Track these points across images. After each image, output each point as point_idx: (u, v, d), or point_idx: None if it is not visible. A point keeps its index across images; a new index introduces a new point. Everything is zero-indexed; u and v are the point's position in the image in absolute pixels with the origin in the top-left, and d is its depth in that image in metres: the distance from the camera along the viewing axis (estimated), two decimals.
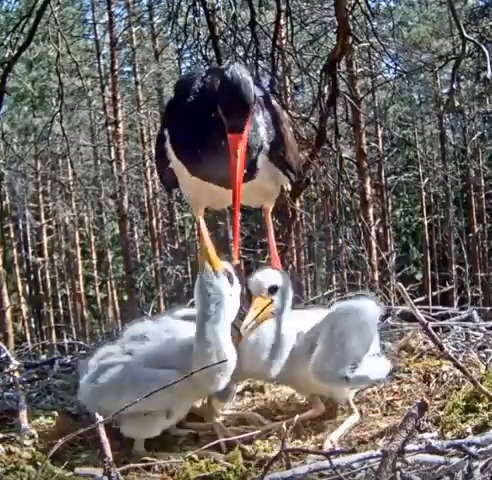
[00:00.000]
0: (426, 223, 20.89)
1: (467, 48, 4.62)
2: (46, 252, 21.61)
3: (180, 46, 6.83)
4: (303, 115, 6.87)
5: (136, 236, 21.62)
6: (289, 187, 3.05)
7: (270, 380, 2.71)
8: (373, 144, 18.30)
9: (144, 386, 2.24)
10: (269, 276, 2.54)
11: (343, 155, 6.19)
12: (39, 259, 21.56)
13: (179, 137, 2.63)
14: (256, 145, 2.57)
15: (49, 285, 21.87)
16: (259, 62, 5.55)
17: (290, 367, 2.50)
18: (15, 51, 5.51)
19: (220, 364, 2.31)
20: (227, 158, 2.42)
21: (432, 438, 2.16)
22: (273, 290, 2.50)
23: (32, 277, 22.42)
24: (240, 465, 2.17)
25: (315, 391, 2.63)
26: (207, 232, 2.77)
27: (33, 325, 21.64)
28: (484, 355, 2.88)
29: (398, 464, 1.87)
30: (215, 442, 2.30)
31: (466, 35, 4.41)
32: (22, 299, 21.18)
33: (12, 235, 21.29)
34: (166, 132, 2.68)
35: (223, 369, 2.36)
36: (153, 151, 3.06)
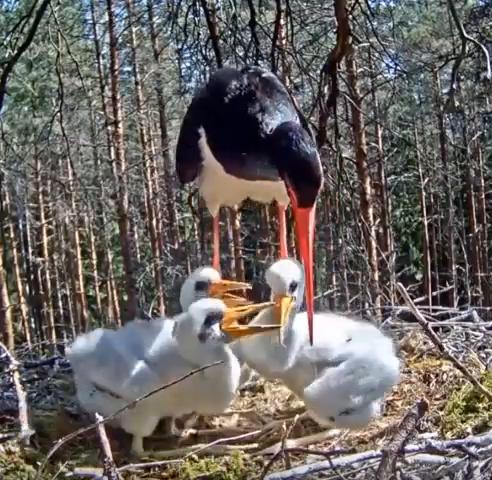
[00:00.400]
0: (426, 223, 20.89)
1: (467, 48, 4.63)
2: (46, 252, 21.61)
3: (180, 46, 6.85)
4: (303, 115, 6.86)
5: (136, 236, 21.62)
6: None
7: (272, 376, 2.66)
8: (373, 144, 18.30)
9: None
10: (289, 272, 2.46)
11: (343, 155, 6.19)
12: (39, 259, 21.56)
13: (219, 137, 2.60)
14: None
15: (49, 285, 21.87)
16: (259, 62, 5.55)
17: (293, 369, 2.47)
18: (15, 51, 5.51)
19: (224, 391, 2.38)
20: (264, 156, 2.42)
21: (432, 438, 2.16)
22: (294, 286, 2.44)
23: (32, 277, 22.42)
24: (240, 465, 2.16)
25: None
26: (218, 234, 2.80)
27: (33, 325, 21.64)
28: (484, 355, 2.88)
29: (398, 464, 1.87)
30: (215, 442, 2.31)
31: (466, 35, 4.41)
32: (22, 299, 21.18)
33: (12, 235, 21.28)
34: (201, 130, 2.65)
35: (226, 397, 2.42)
36: (178, 146, 3.03)
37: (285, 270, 2.47)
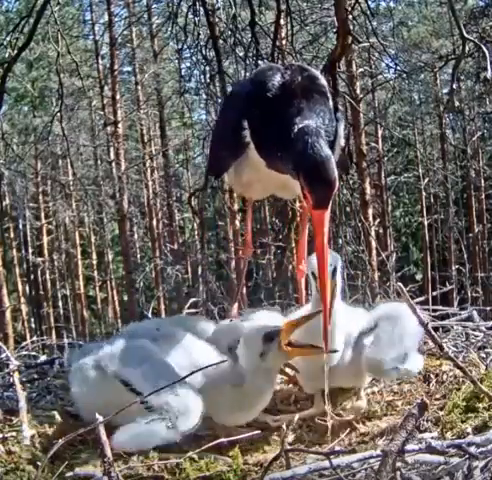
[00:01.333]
0: (426, 223, 20.89)
1: (467, 48, 4.62)
2: (46, 252, 21.61)
3: (180, 46, 6.84)
4: None
5: (136, 236, 21.63)
6: None
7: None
8: (373, 144, 18.30)
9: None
10: (330, 258, 2.50)
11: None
12: (39, 259, 21.56)
13: (261, 133, 2.65)
14: (333, 137, 2.61)
15: (49, 285, 21.87)
16: (259, 62, 5.55)
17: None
18: (15, 51, 5.50)
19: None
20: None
21: (432, 438, 2.16)
22: (334, 272, 2.51)
23: (32, 277, 22.43)
24: (240, 465, 2.16)
25: (336, 384, 2.63)
26: (252, 213, 2.80)
27: (33, 325, 21.63)
28: (484, 355, 2.87)
29: (398, 464, 1.87)
30: (215, 442, 2.30)
31: (466, 35, 4.41)
32: (22, 299, 21.18)
33: (12, 235, 21.29)
34: (246, 124, 2.70)
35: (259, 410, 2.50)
36: (217, 136, 3.08)
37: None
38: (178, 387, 2.29)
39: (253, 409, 2.49)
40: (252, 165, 2.77)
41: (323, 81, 2.73)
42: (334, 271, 2.50)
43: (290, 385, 2.89)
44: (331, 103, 2.65)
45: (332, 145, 2.61)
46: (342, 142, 2.77)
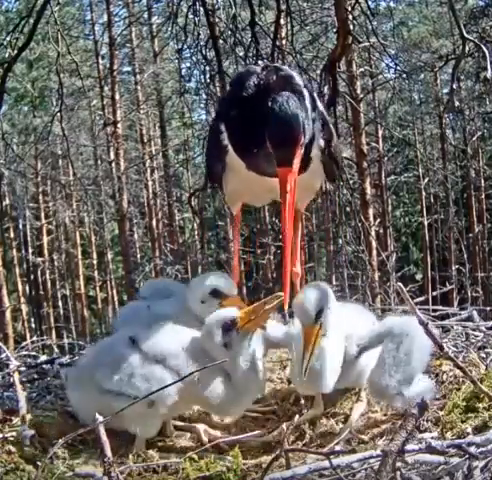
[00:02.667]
0: (426, 223, 20.89)
1: (467, 48, 4.62)
2: (46, 252, 21.60)
3: (180, 46, 6.83)
4: None
5: (136, 236, 21.62)
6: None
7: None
8: (373, 144, 18.29)
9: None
10: (312, 300, 2.47)
11: (343, 155, 6.19)
12: (39, 259, 21.55)
13: (238, 133, 2.66)
14: (310, 133, 2.58)
15: (49, 285, 21.86)
16: (259, 62, 5.54)
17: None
18: (15, 51, 5.50)
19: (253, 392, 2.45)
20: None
21: (432, 438, 2.16)
22: (320, 314, 2.46)
23: (32, 277, 22.42)
24: (240, 465, 2.16)
25: (337, 387, 2.63)
26: (239, 233, 2.79)
27: (33, 325, 21.63)
28: (484, 355, 2.87)
29: (398, 464, 1.87)
30: (215, 442, 2.31)
31: (466, 35, 4.41)
32: (22, 299, 21.17)
33: (12, 235, 21.28)
34: (223, 126, 2.71)
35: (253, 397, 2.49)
36: (206, 144, 3.10)
37: (309, 301, 2.48)
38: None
39: (244, 399, 2.47)
40: (234, 169, 2.75)
41: (299, 80, 2.71)
42: (319, 313, 2.45)
43: (291, 385, 2.89)
44: (308, 103, 2.62)
45: (309, 145, 2.58)
46: (321, 143, 2.72)
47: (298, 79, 2.73)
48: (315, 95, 2.76)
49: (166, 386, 2.25)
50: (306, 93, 2.65)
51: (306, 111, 2.58)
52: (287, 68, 2.89)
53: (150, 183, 19.78)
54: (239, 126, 2.64)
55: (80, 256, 21.71)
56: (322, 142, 2.72)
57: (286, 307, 2.45)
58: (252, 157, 2.61)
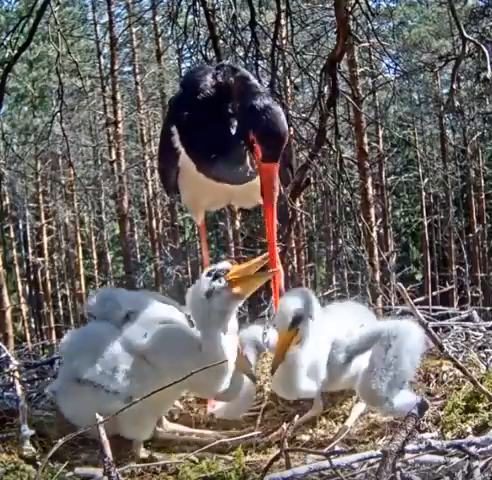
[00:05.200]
0: (426, 223, 20.89)
1: (467, 48, 4.62)
2: (46, 252, 21.60)
3: (180, 46, 6.84)
4: (303, 115, 6.87)
5: (136, 236, 21.62)
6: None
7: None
8: (374, 144, 18.30)
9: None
10: (290, 307, 2.47)
11: (343, 155, 6.19)
12: (39, 259, 21.54)
13: (189, 134, 2.59)
14: None
15: (49, 285, 21.86)
16: (259, 62, 5.54)
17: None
18: (15, 51, 5.50)
19: (220, 366, 2.30)
20: (238, 157, 2.44)
21: (432, 438, 2.16)
22: (297, 320, 2.46)
23: (32, 277, 22.41)
24: (242, 465, 2.16)
25: (335, 389, 2.66)
26: (207, 239, 2.75)
27: (33, 325, 21.63)
28: (484, 355, 2.88)
29: (398, 464, 1.87)
30: (215, 443, 2.31)
31: (466, 35, 4.42)
32: (22, 299, 21.17)
33: (12, 235, 21.28)
34: (174, 128, 2.64)
35: (223, 372, 2.38)
36: (157, 149, 3.00)
37: (287, 307, 2.48)
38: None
39: (219, 372, 2.36)
40: (188, 174, 2.69)
41: (254, 81, 2.67)
42: (296, 320, 2.45)
43: None
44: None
45: None
46: None
47: (254, 80, 2.68)
48: (272, 95, 2.77)
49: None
50: (264, 95, 2.64)
51: None
52: (241, 67, 2.85)
53: (150, 183, 19.78)
54: (192, 128, 2.57)
55: (80, 256, 21.71)
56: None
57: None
58: (205, 162, 2.55)
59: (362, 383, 2.46)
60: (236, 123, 2.49)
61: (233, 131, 2.49)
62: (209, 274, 2.38)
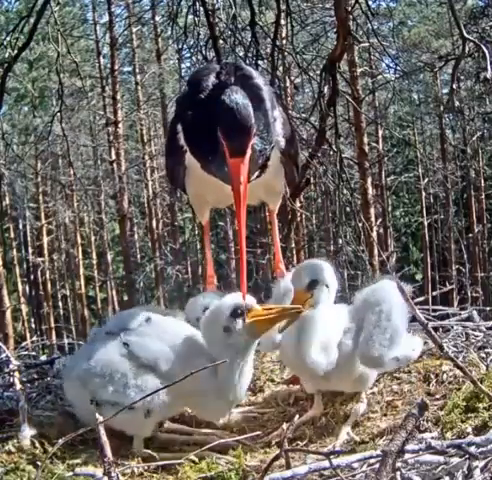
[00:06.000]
0: (426, 223, 20.90)
1: (467, 48, 4.62)
2: (46, 252, 21.61)
3: (180, 46, 6.84)
4: (303, 115, 6.87)
5: (136, 236, 21.62)
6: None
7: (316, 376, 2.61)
8: (373, 144, 18.30)
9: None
10: (309, 269, 2.50)
11: (343, 155, 6.19)
12: (39, 259, 21.55)
13: (193, 133, 2.60)
14: (270, 141, 2.55)
15: (49, 285, 21.87)
16: (259, 62, 5.55)
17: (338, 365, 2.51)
18: (15, 51, 5.50)
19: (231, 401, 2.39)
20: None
21: (432, 438, 2.16)
22: (313, 284, 2.47)
23: (32, 277, 22.42)
24: (242, 465, 2.16)
25: (337, 388, 2.64)
26: (209, 241, 2.76)
27: (33, 325, 21.63)
28: (484, 355, 2.87)
29: (398, 464, 1.87)
30: (215, 443, 2.30)
31: (466, 35, 4.41)
32: (22, 299, 21.18)
33: (12, 235, 21.29)
34: (179, 127, 2.66)
35: (233, 405, 2.44)
36: (164, 147, 3.01)
37: (305, 268, 2.51)
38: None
39: (231, 394, 2.38)
40: (193, 172, 2.70)
41: (258, 80, 2.66)
42: (312, 283, 2.46)
43: (291, 385, 2.89)
44: (268, 103, 2.59)
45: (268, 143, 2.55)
46: (282, 144, 2.70)
47: (258, 78, 2.68)
48: (276, 94, 2.74)
49: (155, 391, 2.24)
50: (265, 93, 2.61)
51: (265, 110, 2.55)
52: (247, 67, 2.84)
53: (150, 183, 19.79)
54: (195, 127, 2.58)
55: (80, 256, 21.71)
56: (283, 143, 2.69)
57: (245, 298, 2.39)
58: (208, 159, 2.55)
59: (363, 352, 2.47)
60: None
61: None
62: (233, 312, 2.34)
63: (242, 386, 2.40)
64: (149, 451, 2.38)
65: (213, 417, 2.54)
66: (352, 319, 2.56)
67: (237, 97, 2.35)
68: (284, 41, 7.30)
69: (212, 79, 2.61)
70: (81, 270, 21.55)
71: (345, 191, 6.04)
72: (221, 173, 2.51)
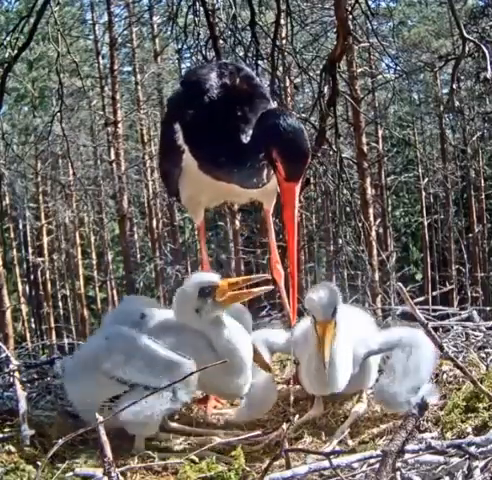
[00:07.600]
0: (426, 223, 20.89)
1: (467, 48, 4.62)
2: (46, 252, 21.60)
3: (180, 46, 6.83)
4: (303, 115, 6.88)
5: (136, 236, 21.62)
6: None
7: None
8: (373, 144, 18.30)
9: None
10: (328, 297, 2.46)
11: (343, 155, 6.19)
12: (39, 259, 21.54)
13: (196, 133, 2.57)
14: None
15: (49, 285, 21.86)
16: (259, 62, 5.55)
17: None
18: (15, 51, 5.50)
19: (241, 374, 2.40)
20: (251, 165, 2.43)
21: (432, 438, 2.16)
22: (335, 313, 2.46)
23: (32, 277, 22.41)
24: (242, 465, 2.16)
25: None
26: (205, 242, 2.77)
27: (33, 325, 21.63)
28: (484, 355, 2.87)
29: (398, 464, 1.87)
30: (215, 443, 2.30)
31: (466, 35, 4.42)
32: (22, 299, 21.17)
33: (12, 235, 21.28)
34: (177, 126, 2.62)
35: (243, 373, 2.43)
36: (158, 149, 2.98)
37: (327, 299, 2.47)
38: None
39: (237, 366, 2.40)
40: (190, 173, 2.68)
41: (258, 80, 2.67)
42: (334, 312, 2.45)
43: (291, 385, 2.89)
44: (273, 103, 2.61)
45: None
46: None
47: (257, 79, 2.69)
48: (272, 92, 2.77)
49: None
50: (267, 92, 2.64)
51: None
52: (243, 65, 2.83)
53: (150, 183, 19.78)
54: (198, 127, 2.55)
55: (80, 256, 21.70)
56: None
57: (294, 322, 2.46)
58: (210, 163, 2.54)
59: (380, 387, 2.48)
60: (246, 128, 2.48)
61: (243, 136, 2.47)
62: (201, 291, 2.39)
63: (242, 350, 2.42)
64: (149, 451, 2.38)
65: (232, 393, 2.53)
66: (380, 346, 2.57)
67: (294, 121, 2.35)
68: (284, 41, 7.30)
69: (215, 79, 2.59)
70: (81, 270, 21.54)
71: (345, 191, 6.05)
72: (241, 179, 2.50)
